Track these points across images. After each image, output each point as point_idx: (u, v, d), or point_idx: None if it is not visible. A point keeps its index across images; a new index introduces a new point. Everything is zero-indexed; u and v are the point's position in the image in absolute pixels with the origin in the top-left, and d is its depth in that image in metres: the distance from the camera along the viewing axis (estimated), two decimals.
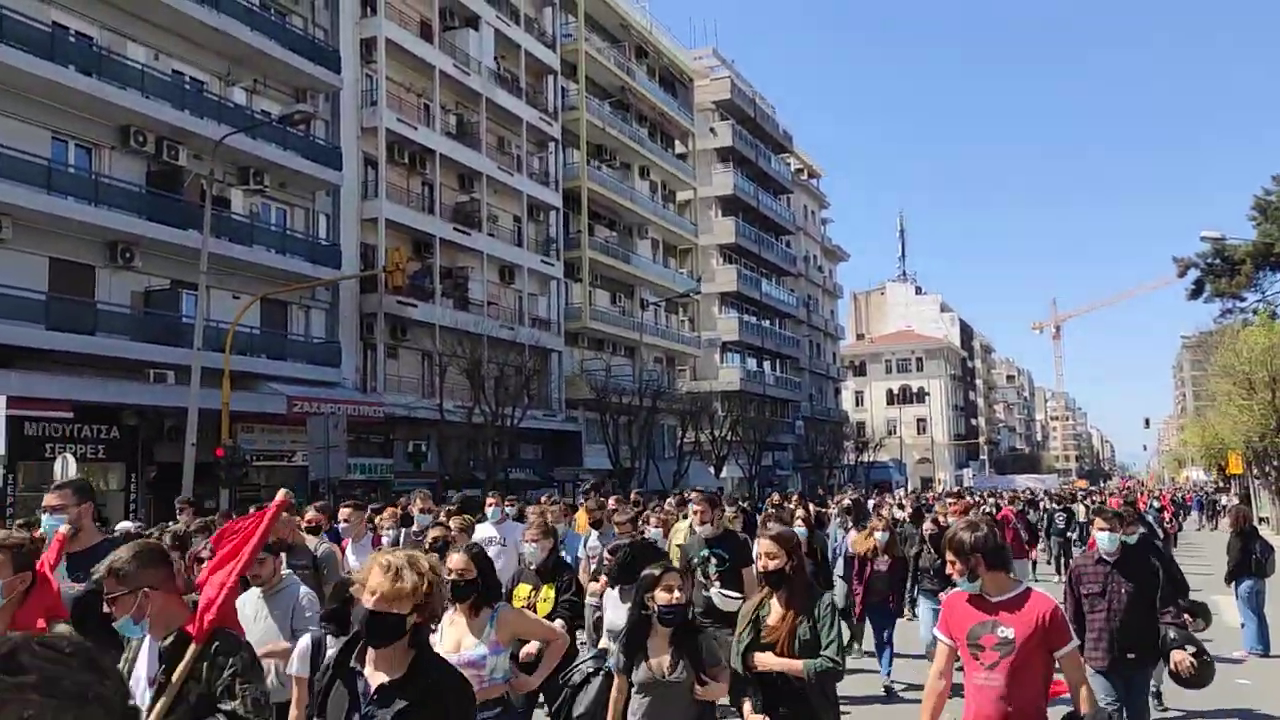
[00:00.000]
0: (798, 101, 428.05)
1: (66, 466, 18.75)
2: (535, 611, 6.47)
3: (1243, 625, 12.27)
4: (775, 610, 4.82)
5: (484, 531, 10.16)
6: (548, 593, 6.71)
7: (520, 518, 11.23)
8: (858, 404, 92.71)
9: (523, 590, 6.79)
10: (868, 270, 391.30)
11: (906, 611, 10.89)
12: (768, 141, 64.37)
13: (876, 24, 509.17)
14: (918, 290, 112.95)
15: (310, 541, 8.48)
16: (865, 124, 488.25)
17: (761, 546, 4.90)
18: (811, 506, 18.10)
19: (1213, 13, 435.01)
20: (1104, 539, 6.70)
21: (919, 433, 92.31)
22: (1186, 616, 7.41)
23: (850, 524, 13.66)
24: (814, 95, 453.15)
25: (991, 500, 27.16)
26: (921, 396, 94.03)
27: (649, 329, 47.10)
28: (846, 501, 16.17)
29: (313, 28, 31.46)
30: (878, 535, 10.35)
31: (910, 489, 51.73)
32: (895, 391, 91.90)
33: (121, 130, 24.95)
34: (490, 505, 10.92)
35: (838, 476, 58.68)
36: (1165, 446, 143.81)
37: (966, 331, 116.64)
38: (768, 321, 62.16)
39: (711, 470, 46.24)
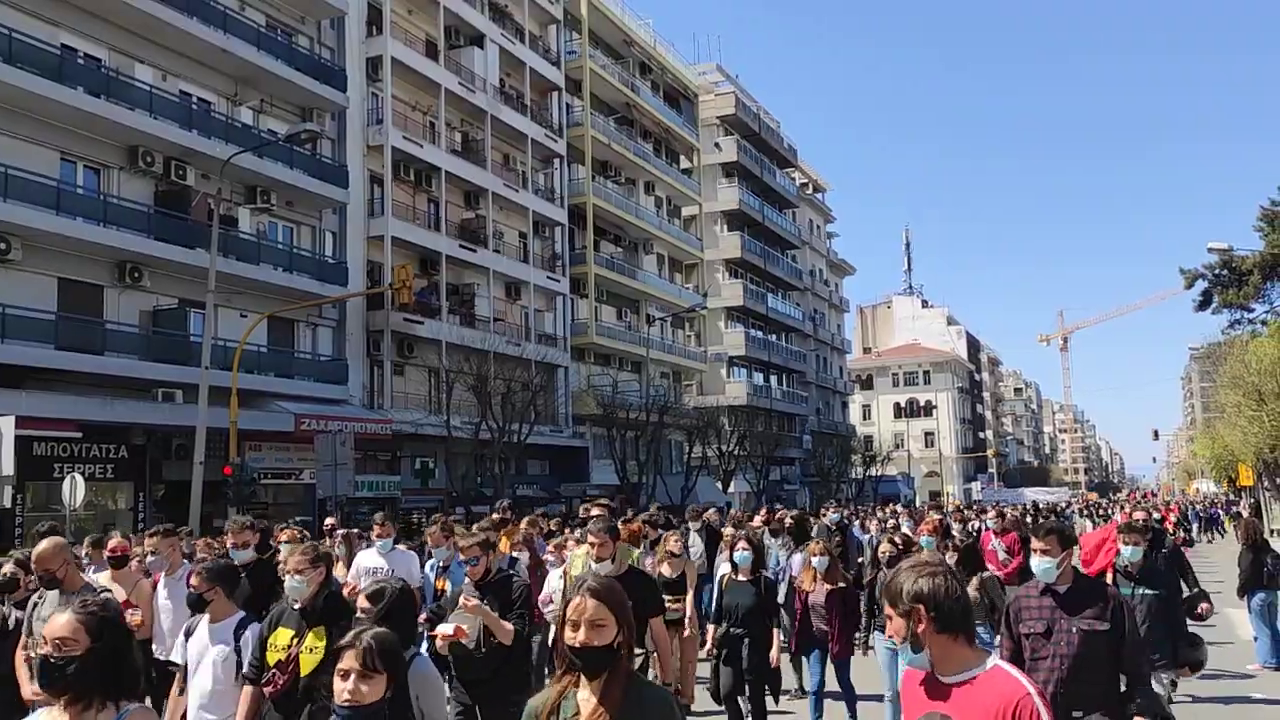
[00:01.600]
0: (803, 116, 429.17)
1: (75, 487, 18.78)
2: (300, 667, 5.04)
3: (1255, 639, 12.18)
4: (583, 708, 3.00)
5: (368, 560, 8.92)
6: (315, 641, 5.08)
7: (408, 542, 10.01)
8: (865, 418, 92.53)
9: (282, 636, 5.18)
10: (874, 284, 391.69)
11: (859, 650, 9.31)
12: (772, 156, 64.51)
13: (881, 38, 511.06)
14: (924, 303, 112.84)
15: (104, 578, 7.31)
16: (870, 138, 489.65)
17: (578, 608, 3.00)
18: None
19: (1222, 24, 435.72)
20: (1041, 566, 5.23)
21: (927, 446, 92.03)
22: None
23: (793, 545, 12.28)
24: (819, 109, 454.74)
25: (981, 515, 22.95)
26: (929, 410, 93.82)
27: (655, 344, 47.10)
28: (789, 519, 14.28)
29: (319, 47, 31.66)
30: (815, 561, 8.76)
31: (903, 504, 51.42)
32: (902, 405, 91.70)
33: (129, 151, 25.11)
34: (376, 532, 9.24)
35: (846, 491, 58.49)
36: (1175, 458, 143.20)
37: (973, 344, 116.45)
38: (774, 336, 62.13)
39: (719, 485, 46.14)
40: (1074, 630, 5.02)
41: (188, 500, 20.73)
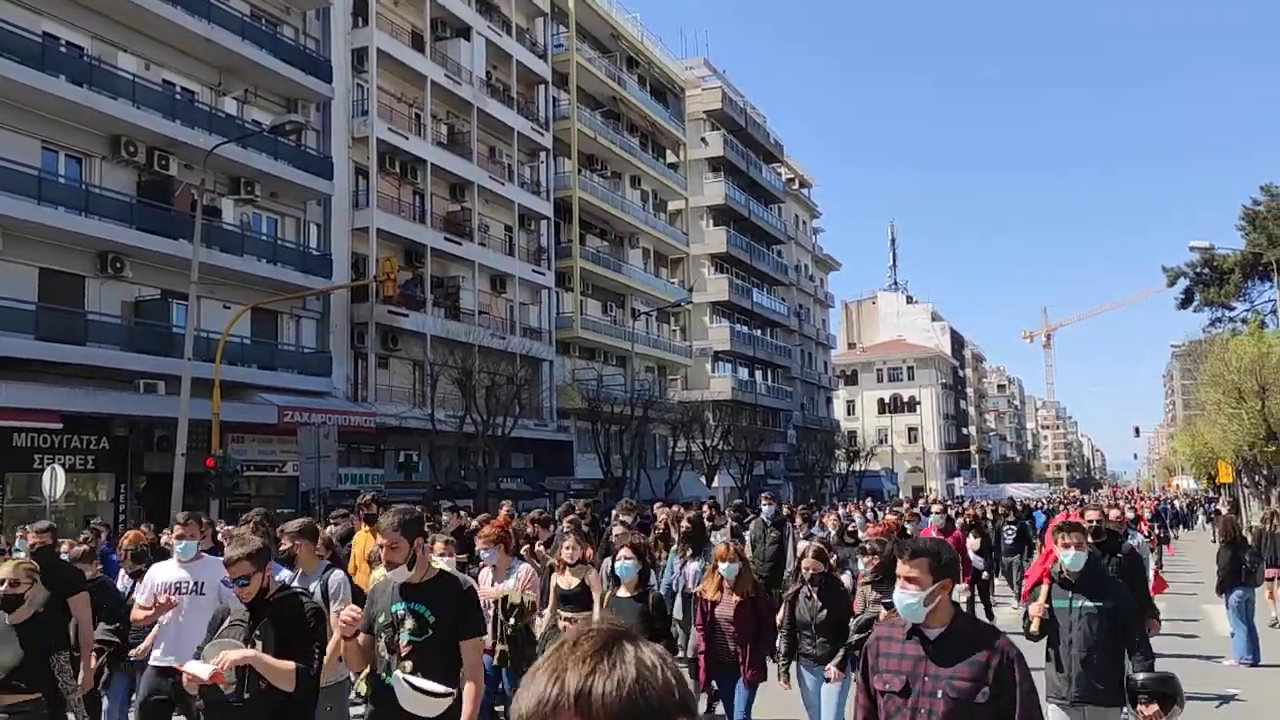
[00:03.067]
0: (789, 111, 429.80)
1: (55, 478, 18.69)
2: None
3: (1232, 635, 12.30)
4: None
5: (164, 573, 6.87)
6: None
7: (217, 548, 7.80)
8: (849, 413, 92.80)
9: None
10: (859, 280, 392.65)
11: (780, 679, 7.27)
12: (759, 151, 64.57)
13: (868, 35, 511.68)
14: (909, 299, 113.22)
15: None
16: (857, 134, 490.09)
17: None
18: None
19: (1202, 33, 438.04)
20: (904, 601, 3.85)
21: (910, 442, 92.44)
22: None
23: (689, 553, 10.54)
24: (805, 105, 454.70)
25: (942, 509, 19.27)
26: (913, 406, 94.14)
27: (640, 338, 47.12)
28: (685, 522, 11.98)
29: (304, 38, 31.48)
30: (722, 567, 7.12)
31: (888, 498, 51.60)
32: (886, 400, 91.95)
33: (112, 140, 24.92)
34: (179, 534, 7.20)
35: (830, 486, 58.72)
36: (1156, 455, 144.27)
37: (957, 340, 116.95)
38: (759, 331, 62.24)
39: (703, 480, 46.24)
40: (939, 694, 3.71)
41: (169, 492, 20.62)
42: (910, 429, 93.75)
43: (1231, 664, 11.84)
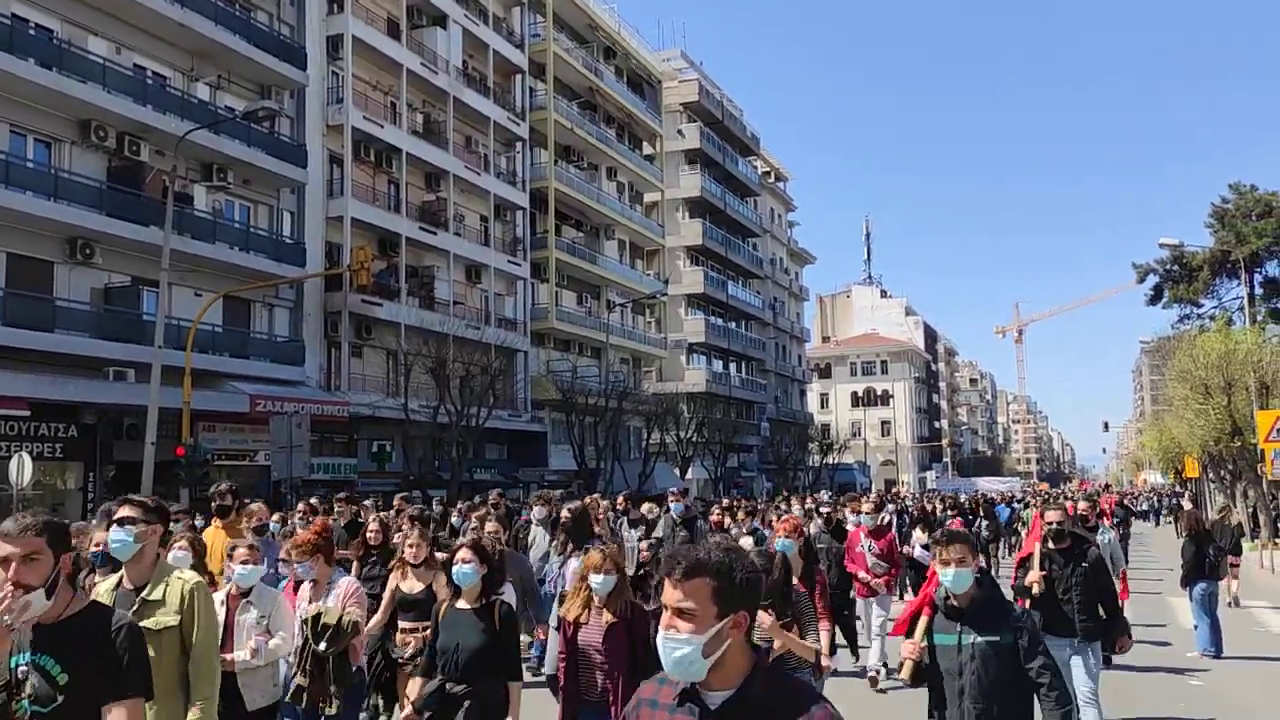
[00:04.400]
0: (766, 104, 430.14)
1: (22, 466, 18.48)
2: None
3: (1195, 627, 12.49)
4: None
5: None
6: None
7: None
8: (823, 406, 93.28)
9: None
10: (833, 273, 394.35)
11: None
12: (735, 144, 64.63)
13: (844, 28, 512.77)
14: (883, 294, 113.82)
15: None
16: (834, 128, 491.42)
17: None
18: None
19: (1176, 35, 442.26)
20: (669, 648, 2.34)
21: (883, 435, 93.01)
22: None
23: (569, 547, 9.31)
24: (782, 98, 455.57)
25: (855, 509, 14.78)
26: (886, 399, 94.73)
27: (615, 330, 47.11)
28: (564, 513, 10.39)
29: (278, 24, 31.19)
30: (593, 581, 5.47)
31: (860, 490, 51.89)
32: (860, 394, 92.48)
33: (82, 125, 24.60)
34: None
35: (803, 478, 58.98)
36: (1124, 450, 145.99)
37: (930, 335, 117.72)
38: (734, 323, 62.39)
39: (676, 471, 46.33)
40: None
41: (139, 481, 20.44)
42: (883, 422, 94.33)
43: (1195, 656, 12.03)
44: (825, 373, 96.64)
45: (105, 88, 24.53)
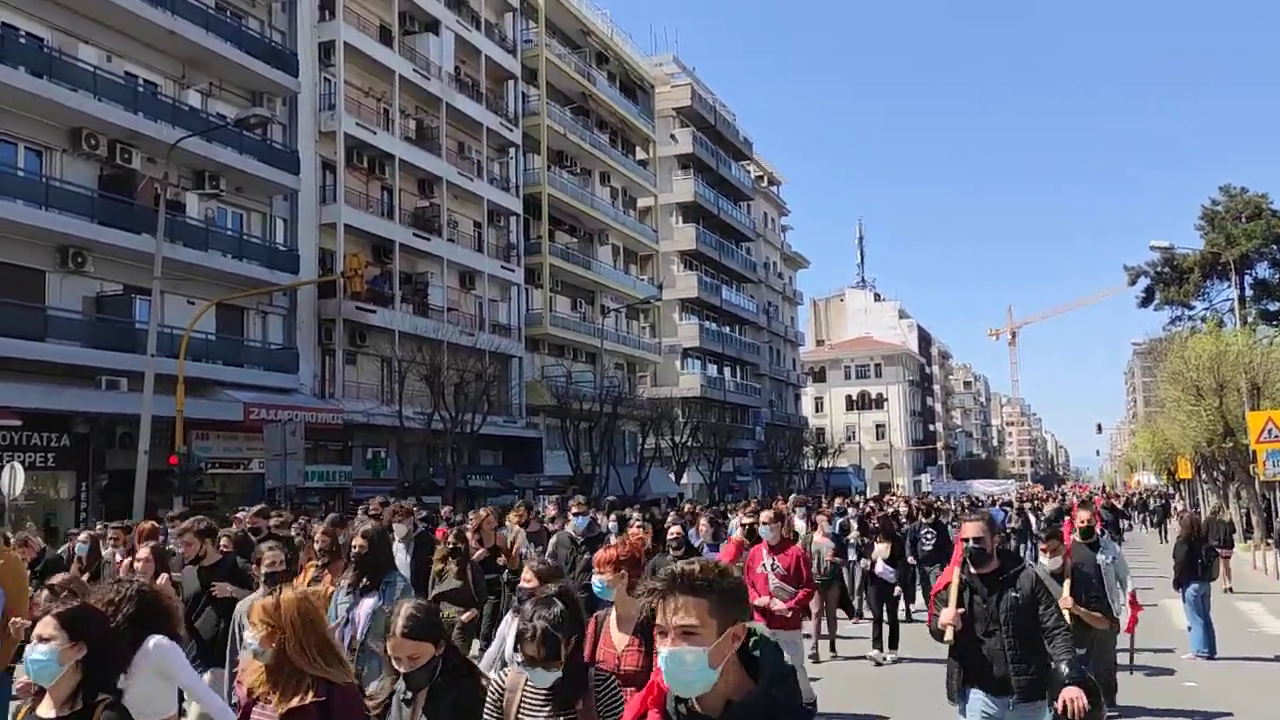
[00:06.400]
0: (758, 109, 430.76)
1: (15, 476, 18.40)
2: None
3: (1189, 629, 12.50)
4: None
5: None
6: None
7: None
8: (817, 410, 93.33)
9: None
10: (827, 277, 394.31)
11: None
12: (728, 148, 64.71)
13: (838, 33, 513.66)
14: (876, 297, 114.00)
15: None
16: (826, 131, 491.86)
17: None
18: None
19: (1164, 39, 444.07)
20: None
21: (878, 438, 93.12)
22: None
23: (362, 584, 6.46)
24: (775, 102, 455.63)
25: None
26: (880, 402, 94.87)
27: (610, 335, 47.11)
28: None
29: (270, 30, 31.16)
30: (247, 639, 3.80)
31: (856, 493, 51.89)
32: (854, 397, 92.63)
33: (73, 133, 24.55)
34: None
35: (798, 482, 58.98)
36: (1118, 451, 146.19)
37: (924, 338, 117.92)
38: (728, 328, 62.42)
39: (671, 476, 46.34)
40: None
41: (132, 490, 20.37)
42: (878, 425, 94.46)
43: (1189, 657, 12.04)
44: (820, 376, 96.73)
45: (96, 96, 24.48)
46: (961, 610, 5.45)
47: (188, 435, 22.53)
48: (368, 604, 6.14)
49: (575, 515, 10.00)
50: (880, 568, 12.13)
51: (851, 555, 14.42)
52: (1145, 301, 49.44)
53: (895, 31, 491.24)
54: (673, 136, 58.32)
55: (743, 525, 10.83)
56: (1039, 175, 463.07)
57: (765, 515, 9.19)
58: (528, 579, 5.10)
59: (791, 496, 20.62)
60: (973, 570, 5.52)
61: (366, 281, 29.81)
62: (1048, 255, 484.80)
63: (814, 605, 11.79)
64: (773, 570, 8.73)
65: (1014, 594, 5.38)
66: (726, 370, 61.82)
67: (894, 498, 34.70)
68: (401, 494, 28.50)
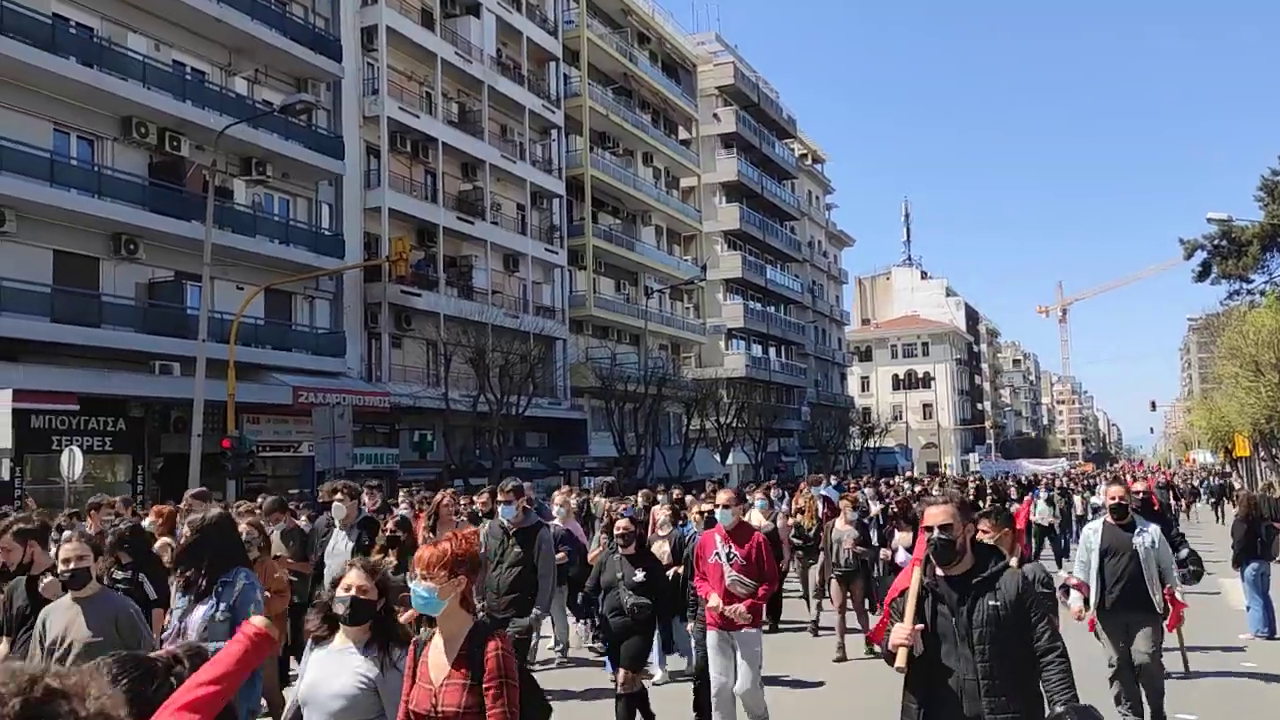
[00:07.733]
0: (802, 86, 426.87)
1: (73, 459, 18.83)
2: None
3: (1248, 608, 12.27)
4: None
5: None
6: None
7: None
8: (863, 389, 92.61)
9: None
10: (872, 255, 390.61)
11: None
12: (771, 127, 64.16)
13: (881, 9, 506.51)
14: (923, 275, 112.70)
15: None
16: (871, 108, 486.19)
17: None
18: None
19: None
20: None
21: (925, 418, 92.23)
22: None
23: (202, 583, 5.60)
24: (819, 79, 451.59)
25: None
26: (927, 381, 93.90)
27: (654, 316, 47.05)
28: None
29: (313, 16, 31.38)
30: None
31: (901, 473, 51.39)
32: (901, 377, 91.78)
33: (123, 121, 24.93)
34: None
35: (844, 462, 58.65)
36: (1172, 429, 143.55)
37: (972, 316, 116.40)
38: (772, 308, 62.09)
39: (717, 457, 46.27)
40: None
41: (186, 473, 20.75)
42: (925, 405, 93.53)
43: (1248, 637, 11.81)
44: (865, 356, 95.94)
45: (145, 84, 24.83)
46: (921, 626, 3.99)
47: (239, 419, 22.88)
48: (201, 612, 5.08)
49: (502, 504, 8.42)
50: (902, 557, 10.57)
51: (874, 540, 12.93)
52: (1201, 275, 48.23)
53: None
54: (715, 116, 57.92)
55: (700, 514, 10.14)
56: (1093, 144, 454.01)
57: (723, 496, 7.94)
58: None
59: (804, 479, 19.70)
60: (938, 571, 4.09)
61: (411, 265, 30.00)
62: (1100, 229, 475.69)
63: (836, 599, 11.37)
64: (728, 560, 7.36)
65: (993, 603, 3.96)
66: (771, 350, 61.52)
67: (933, 478, 34.30)
68: (448, 476, 28.81)
